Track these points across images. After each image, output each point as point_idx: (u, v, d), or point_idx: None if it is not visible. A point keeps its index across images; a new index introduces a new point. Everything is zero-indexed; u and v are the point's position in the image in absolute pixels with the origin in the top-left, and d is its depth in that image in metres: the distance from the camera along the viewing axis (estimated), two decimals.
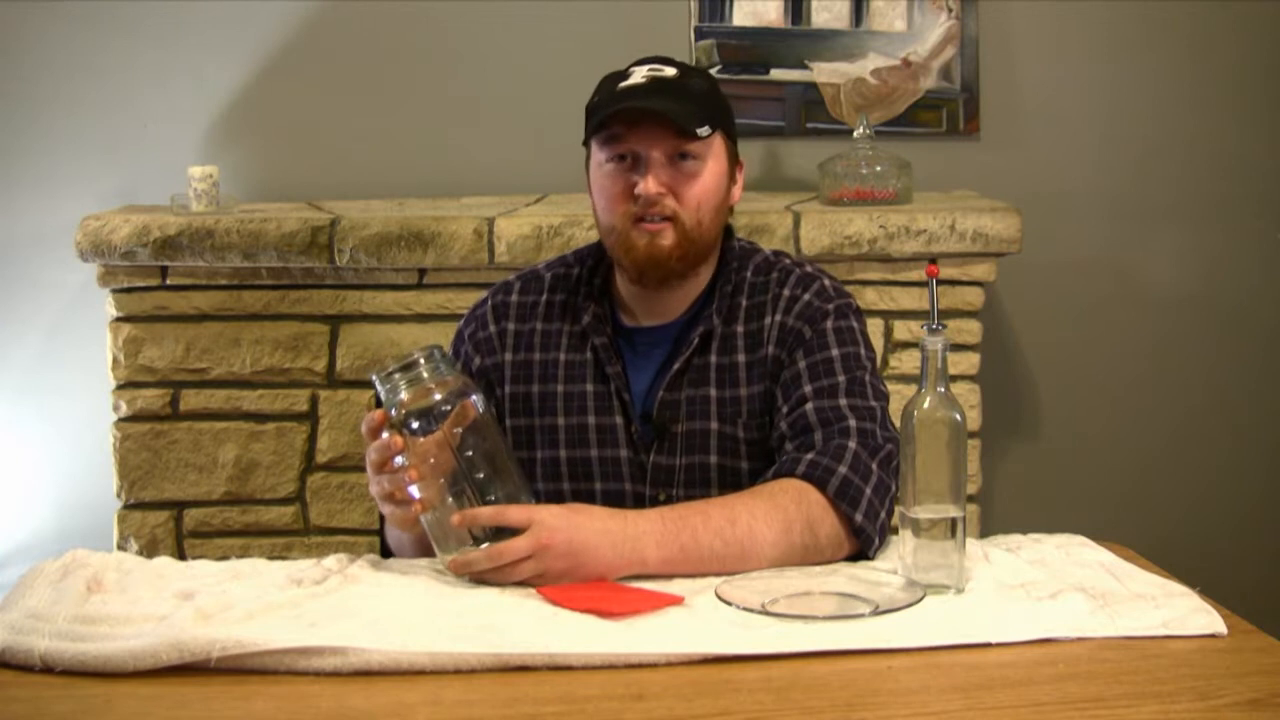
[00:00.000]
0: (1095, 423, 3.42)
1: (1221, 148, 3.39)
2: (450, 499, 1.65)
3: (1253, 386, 3.44)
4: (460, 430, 1.65)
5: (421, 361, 1.65)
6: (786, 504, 1.70)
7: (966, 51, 3.32)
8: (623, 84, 1.87)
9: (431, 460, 1.64)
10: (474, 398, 1.67)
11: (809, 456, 1.76)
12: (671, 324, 1.94)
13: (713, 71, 3.30)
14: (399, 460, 1.64)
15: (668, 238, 1.86)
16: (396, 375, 1.65)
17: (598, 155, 1.89)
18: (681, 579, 1.64)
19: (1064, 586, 1.60)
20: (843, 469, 1.74)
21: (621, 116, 1.84)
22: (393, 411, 1.64)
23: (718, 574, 1.65)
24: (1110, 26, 3.37)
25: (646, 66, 1.89)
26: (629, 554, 1.63)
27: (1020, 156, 3.37)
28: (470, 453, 1.65)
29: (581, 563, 1.61)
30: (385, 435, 1.64)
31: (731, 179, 1.93)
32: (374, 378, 1.67)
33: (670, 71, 1.88)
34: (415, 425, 1.64)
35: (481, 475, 1.65)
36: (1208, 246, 3.41)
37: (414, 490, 1.65)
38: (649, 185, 1.84)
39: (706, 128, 1.84)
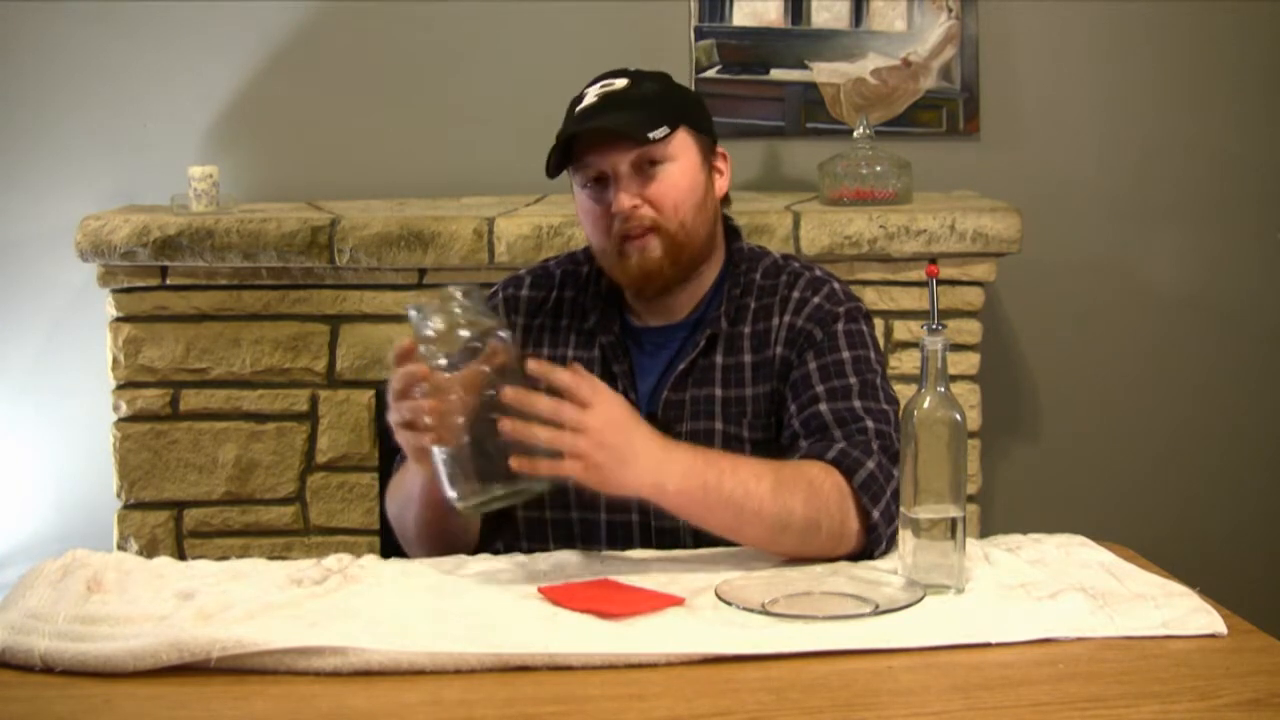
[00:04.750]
0: (1095, 423, 3.42)
1: (1221, 148, 3.39)
2: (467, 438, 1.62)
3: (1253, 386, 3.44)
4: (487, 369, 1.62)
5: (458, 296, 1.64)
6: (812, 479, 1.71)
7: (966, 51, 3.32)
8: (578, 107, 1.89)
9: (454, 396, 1.62)
10: (503, 335, 1.64)
11: (839, 446, 1.76)
12: (679, 324, 1.95)
13: (712, 72, 3.31)
14: (420, 391, 1.62)
15: (655, 249, 1.86)
16: (430, 307, 1.63)
17: (574, 182, 1.91)
18: (681, 578, 1.64)
19: (1064, 586, 1.60)
20: (871, 465, 1.75)
21: (576, 142, 1.85)
22: (422, 344, 1.63)
23: (729, 526, 1.67)
24: (1110, 26, 3.37)
25: (599, 84, 1.90)
26: (658, 474, 1.64)
27: (1020, 156, 3.37)
28: (493, 393, 1.62)
29: (619, 462, 1.61)
30: (412, 365, 1.63)
31: (711, 170, 1.93)
32: (408, 308, 1.64)
33: (620, 83, 1.89)
34: (443, 360, 1.62)
35: (502, 417, 1.62)
36: (1208, 246, 3.41)
37: (430, 422, 1.62)
38: (621, 202, 1.84)
39: (663, 129, 1.84)
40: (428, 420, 1.61)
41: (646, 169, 1.85)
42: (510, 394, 1.58)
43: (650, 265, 1.86)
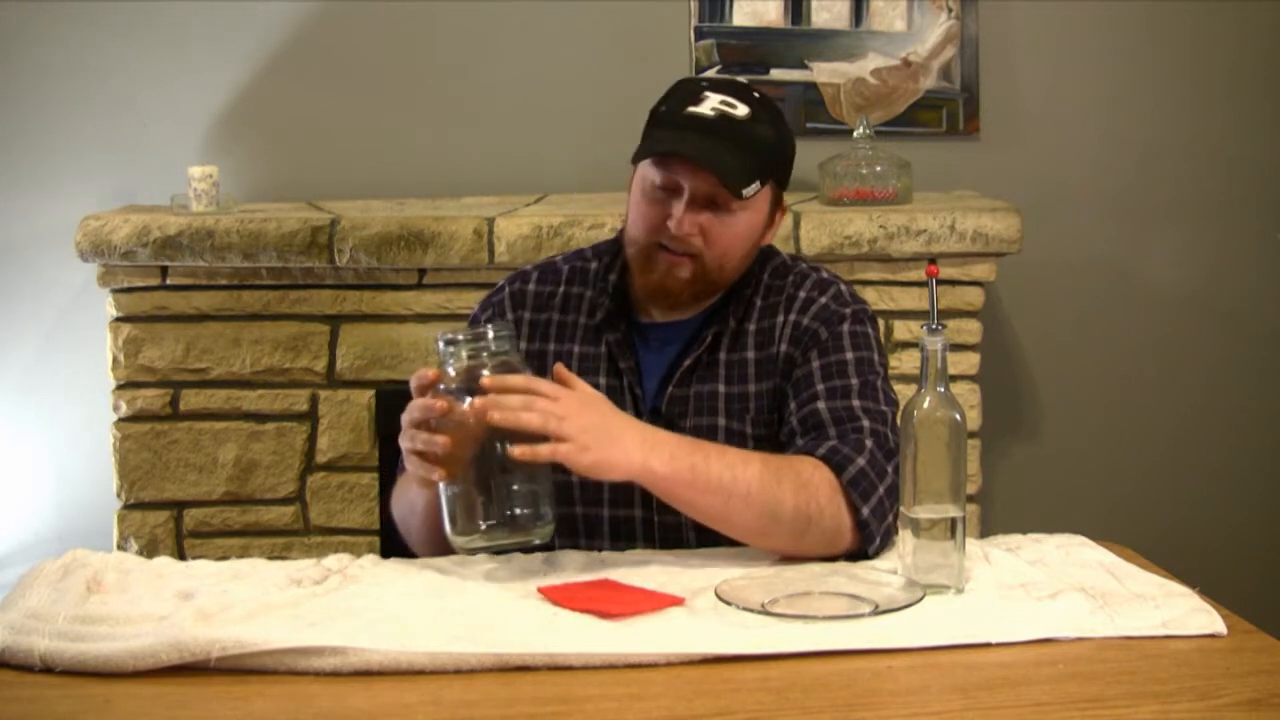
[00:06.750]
0: (1095, 423, 3.42)
1: (1221, 148, 3.39)
2: (474, 475, 1.63)
3: (1253, 386, 3.44)
4: None
5: (489, 335, 1.66)
6: (800, 471, 1.72)
7: (966, 51, 3.32)
8: (691, 108, 1.84)
9: (469, 434, 1.62)
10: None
11: (830, 443, 1.77)
12: (686, 321, 1.95)
13: (712, 72, 3.30)
14: (436, 424, 1.63)
15: (685, 271, 1.87)
16: (460, 341, 1.65)
17: (646, 169, 1.87)
18: (681, 578, 1.64)
19: (1064, 586, 1.60)
20: (861, 461, 1.75)
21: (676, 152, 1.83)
22: (445, 376, 1.64)
23: (718, 512, 1.68)
24: (1110, 26, 3.37)
25: (720, 96, 1.85)
26: (646, 455, 1.65)
27: (1020, 156, 3.37)
28: (507, 435, 1.62)
29: (606, 440, 1.63)
30: (431, 396, 1.63)
31: (770, 223, 1.94)
32: (437, 338, 1.66)
33: (742, 111, 1.85)
34: (466, 395, 1.62)
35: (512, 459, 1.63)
36: (1208, 246, 3.41)
37: (442, 456, 1.63)
38: (682, 225, 1.83)
39: (756, 184, 1.83)
40: (440, 454, 1.62)
41: (719, 206, 1.84)
42: (489, 380, 1.60)
43: (673, 283, 1.87)
